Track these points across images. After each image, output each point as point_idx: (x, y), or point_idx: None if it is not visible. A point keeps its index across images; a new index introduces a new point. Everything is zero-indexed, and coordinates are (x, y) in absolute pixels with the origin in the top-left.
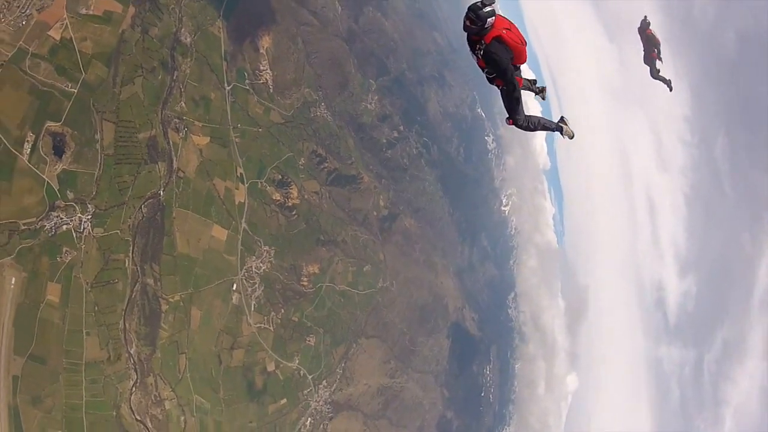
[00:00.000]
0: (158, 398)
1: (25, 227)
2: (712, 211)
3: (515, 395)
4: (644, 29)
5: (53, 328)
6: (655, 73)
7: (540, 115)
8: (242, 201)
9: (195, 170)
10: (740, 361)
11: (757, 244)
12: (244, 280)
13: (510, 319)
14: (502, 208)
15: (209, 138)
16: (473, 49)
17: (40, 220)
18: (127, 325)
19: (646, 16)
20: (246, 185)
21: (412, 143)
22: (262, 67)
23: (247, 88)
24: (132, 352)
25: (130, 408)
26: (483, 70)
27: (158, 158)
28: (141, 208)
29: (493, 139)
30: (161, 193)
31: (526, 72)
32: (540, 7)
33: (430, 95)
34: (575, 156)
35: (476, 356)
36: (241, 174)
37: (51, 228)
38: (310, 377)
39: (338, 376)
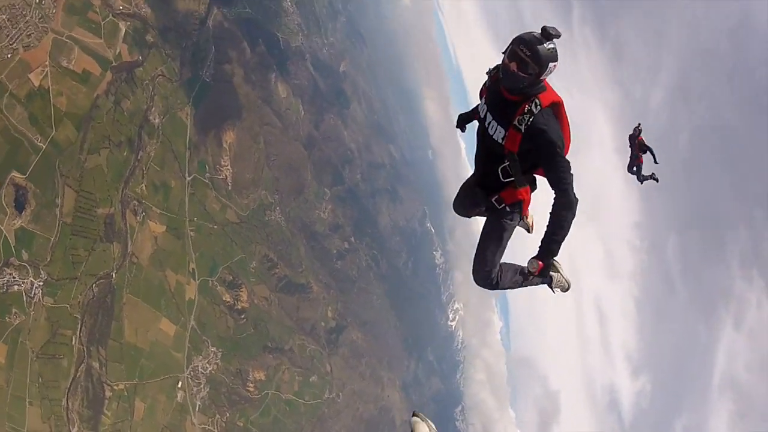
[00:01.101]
0: None
1: None
2: (664, 310)
3: None
4: (635, 137)
5: None
6: (641, 178)
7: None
8: (192, 297)
9: (149, 258)
10: None
11: (712, 333)
12: (189, 379)
13: None
14: (449, 323)
15: (165, 227)
16: (508, 118)
17: None
18: (69, 404)
19: (639, 124)
20: (197, 282)
21: (362, 255)
22: (223, 162)
23: (207, 181)
24: None
25: None
26: (492, 162)
27: (114, 238)
28: (93, 286)
29: (441, 254)
30: (113, 276)
31: None
32: None
33: (382, 208)
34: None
35: None
36: (193, 269)
37: (2, 285)
38: None
39: None
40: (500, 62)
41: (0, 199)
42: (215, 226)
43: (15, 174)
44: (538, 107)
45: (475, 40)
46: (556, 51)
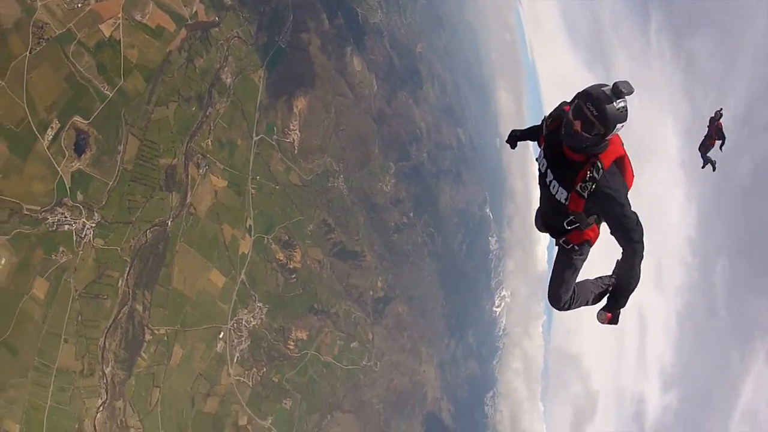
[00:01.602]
0: (124, 424)
1: (28, 213)
2: (703, 330)
3: None
4: (716, 120)
5: (32, 324)
6: (705, 159)
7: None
8: (246, 252)
9: (206, 210)
10: None
11: (744, 363)
12: (231, 331)
13: (485, 416)
14: (494, 309)
15: (227, 182)
16: (568, 178)
17: (44, 211)
18: (107, 344)
19: (721, 108)
20: (252, 238)
21: (419, 232)
22: (292, 127)
23: (274, 143)
24: (107, 371)
25: (94, 426)
26: (558, 215)
27: (173, 188)
28: (146, 232)
29: (496, 240)
30: (169, 224)
31: None
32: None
33: (444, 188)
34: None
35: None
36: (250, 225)
37: (53, 223)
38: None
39: None
40: (562, 112)
41: (60, 141)
42: (277, 187)
43: (77, 118)
44: (600, 171)
45: (551, 38)
46: (626, 110)
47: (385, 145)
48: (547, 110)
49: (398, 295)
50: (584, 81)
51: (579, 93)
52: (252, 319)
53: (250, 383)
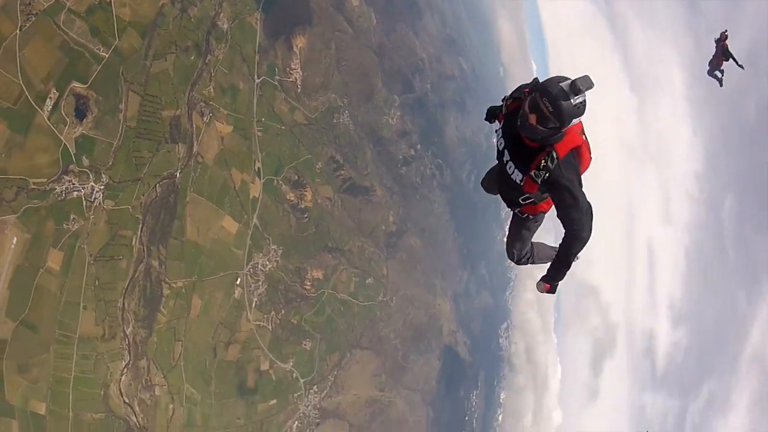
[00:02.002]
0: (149, 383)
1: (35, 187)
2: (711, 267)
3: (498, 424)
4: (721, 41)
5: (49, 297)
6: (720, 80)
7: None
8: (256, 196)
9: (214, 157)
10: (724, 414)
11: (752, 304)
12: (248, 276)
13: (500, 348)
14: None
15: (232, 127)
16: (524, 162)
17: (51, 182)
18: (126, 304)
19: (726, 30)
20: (262, 181)
21: (427, 163)
22: (293, 66)
23: (276, 84)
24: (128, 332)
25: (119, 389)
26: (514, 191)
27: (179, 139)
28: (156, 186)
29: None
30: (177, 175)
31: None
32: (563, 34)
33: (449, 119)
34: None
35: (464, 381)
36: (258, 168)
37: (61, 192)
38: (302, 381)
39: (329, 383)
40: (522, 94)
41: (60, 109)
42: (283, 127)
43: (75, 84)
44: (555, 161)
45: None
46: (583, 105)
47: (388, 78)
48: (549, 40)
49: (410, 229)
50: (583, 13)
51: (536, 85)
52: (267, 263)
53: (270, 327)
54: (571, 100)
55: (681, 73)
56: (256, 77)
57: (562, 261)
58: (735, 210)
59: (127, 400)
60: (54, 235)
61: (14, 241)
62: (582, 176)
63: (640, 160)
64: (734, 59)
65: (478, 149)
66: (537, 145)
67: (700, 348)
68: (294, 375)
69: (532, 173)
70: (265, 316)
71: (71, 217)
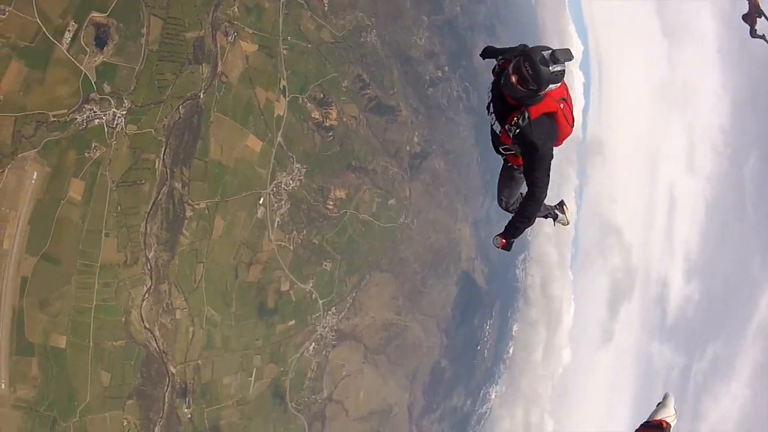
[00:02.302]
0: (170, 306)
1: (55, 119)
2: (729, 225)
3: (508, 356)
4: None
5: (71, 227)
6: (753, 33)
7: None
8: (281, 114)
9: (238, 76)
10: (726, 380)
11: (765, 272)
12: (271, 195)
13: (517, 280)
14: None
15: (257, 46)
16: (503, 117)
17: (71, 112)
18: (148, 228)
19: None
20: (287, 99)
21: (454, 86)
22: None
23: (302, 2)
24: (150, 256)
25: (140, 315)
26: (497, 143)
27: (203, 59)
28: (179, 108)
29: None
30: (201, 96)
31: None
32: None
33: (478, 43)
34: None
35: (479, 309)
36: (283, 86)
37: (82, 121)
38: (320, 302)
39: (347, 305)
40: (512, 56)
41: (79, 40)
42: (309, 45)
43: (95, 14)
44: (525, 120)
45: None
46: (561, 73)
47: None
48: None
49: (434, 150)
50: None
51: (523, 50)
52: (291, 182)
53: (291, 247)
54: (550, 68)
55: (714, 24)
56: None
57: (517, 218)
58: (758, 170)
59: (147, 326)
60: (75, 165)
61: (34, 176)
62: (554, 141)
63: (668, 104)
64: (766, 16)
65: None
66: (516, 104)
67: (710, 306)
68: (313, 296)
69: (506, 127)
70: (287, 236)
71: (93, 145)
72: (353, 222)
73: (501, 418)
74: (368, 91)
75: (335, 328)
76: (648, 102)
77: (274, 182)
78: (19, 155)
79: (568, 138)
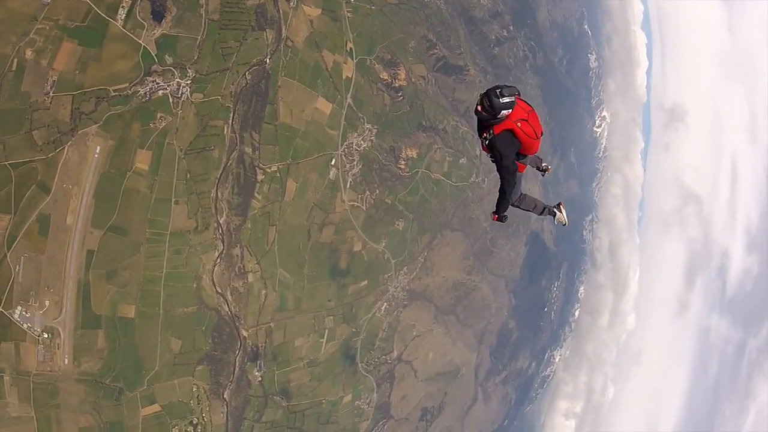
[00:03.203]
0: (242, 270)
1: (116, 93)
2: None
3: (574, 319)
4: None
5: (139, 198)
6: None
7: (536, 197)
8: (349, 76)
9: (304, 41)
10: None
11: None
12: (343, 156)
13: (584, 241)
14: (595, 129)
15: (321, 10)
16: (480, 134)
17: (133, 86)
18: (219, 193)
19: None
20: (355, 61)
21: (520, 45)
22: None
23: None
24: (221, 221)
25: (212, 280)
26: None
27: (266, 26)
28: (245, 74)
29: (595, 58)
30: (267, 61)
31: None
32: None
33: (542, 2)
34: (670, 98)
35: (547, 270)
36: (350, 49)
37: (145, 93)
38: (393, 261)
39: (419, 265)
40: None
41: (135, 15)
42: (373, 7)
43: None
44: (491, 135)
45: None
46: (510, 104)
47: None
48: None
49: None
50: None
51: (486, 90)
52: (362, 142)
53: (364, 207)
54: (500, 99)
55: None
56: None
57: (499, 201)
58: None
59: (219, 290)
60: (141, 136)
61: (97, 151)
62: (516, 150)
63: (729, 73)
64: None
65: (570, 34)
66: (487, 125)
67: None
68: (386, 256)
69: (482, 139)
70: (360, 196)
71: (158, 116)
72: (425, 181)
73: (564, 382)
74: (435, 51)
75: (407, 287)
76: (709, 70)
77: (345, 143)
78: (80, 132)
79: (539, 145)
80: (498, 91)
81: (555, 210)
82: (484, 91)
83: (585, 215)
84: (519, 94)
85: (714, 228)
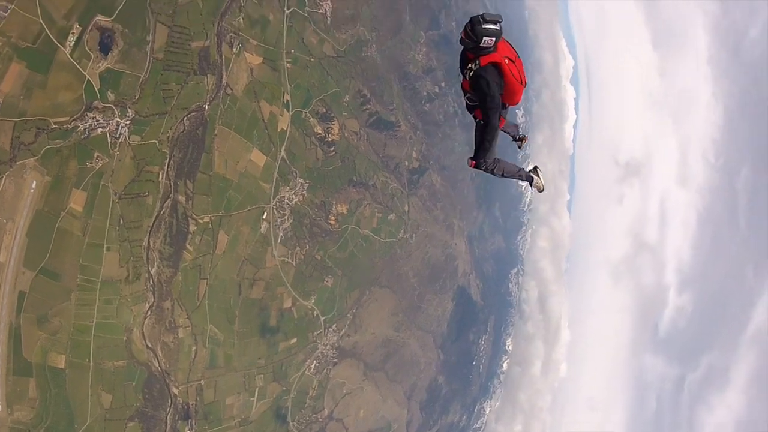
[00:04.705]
0: (173, 325)
1: (56, 126)
2: (721, 237)
3: (502, 371)
4: None
5: (72, 240)
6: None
7: (511, 162)
8: (284, 128)
9: (243, 89)
10: (721, 389)
11: (759, 281)
12: (274, 210)
13: (510, 294)
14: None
15: (262, 58)
16: (463, 68)
17: (73, 120)
18: (151, 243)
19: None
20: (290, 113)
21: (450, 101)
22: None
23: (306, 15)
24: (152, 272)
25: (142, 333)
26: (464, 94)
27: (208, 70)
28: (184, 119)
29: (523, 113)
30: (206, 108)
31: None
32: None
33: None
34: (596, 148)
35: (474, 324)
36: (287, 100)
37: (84, 130)
38: (322, 319)
39: (348, 322)
40: None
41: (83, 44)
42: (312, 59)
43: (100, 18)
44: (477, 65)
45: None
46: (493, 31)
47: (415, 13)
48: None
49: (432, 166)
50: None
51: (471, 17)
52: (294, 196)
53: (294, 263)
54: (482, 25)
55: (705, 35)
56: (286, 8)
57: (480, 142)
58: (751, 182)
59: (150, 345)
60: (77, 175)
61: (33, 185)
62: (501, 86)
63: (660, 115)
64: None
65: None
66: (472, 57)
67: (704, 318)
68: (315, 313)
69: (464, 71)
70: (290, 251)
71: (95, 155)
72: (354, 237)
73: None
74: (369, 106)
75: (336, 345)
76: (640, 111)
77: (278, 197)
78: (18, 162)
79: (522, 94)
80: (481, 16)
81: (532, 174)
82: (471, 17)
83: (510, 269)
84: (501, 22)
85: (644, 271)
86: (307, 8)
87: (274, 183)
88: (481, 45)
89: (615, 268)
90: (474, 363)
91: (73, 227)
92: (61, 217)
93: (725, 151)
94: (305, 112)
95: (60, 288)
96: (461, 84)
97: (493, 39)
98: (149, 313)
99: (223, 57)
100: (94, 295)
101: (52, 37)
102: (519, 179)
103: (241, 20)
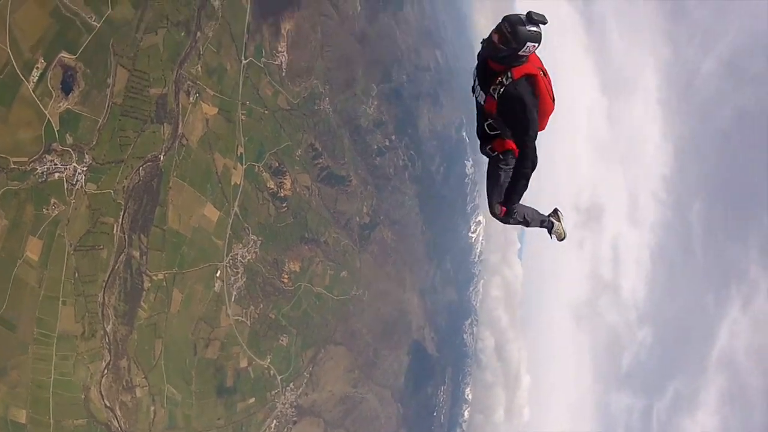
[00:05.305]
0: (130, 384)
1: (15, 166)
2: (678, 269)
3: (464, 420)
4: None
5: (28, 291)
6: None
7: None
8: (238, 182)
9: (198, 140)
10: (691, 414)
11: (720, 306)
12: (228, 268)
13: (465, 345)
14: (470, 234)
15: (218, 109)
16: (487, 84)
17: (32, 161)
18: (106, 299)
19: None
20: (244, 167)
21: (400, 155)
22: (280, 48)
23: (262, 66)
24: (108, 329)
25: (100, 392)
26: (481, 118)
27: (165, 119)
28: (139, 169)
29: (472, 164)
30: (161, 158)
31: None
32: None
33: (423, 111)
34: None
35: (432, 377)
36: (241, 154)
37: (42, 173)
38: (279, 378)
39: (305, 380)
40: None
41: (47, 80)
42: (266, 111)
43: (64, 54)
44: (509, 79)
45: None
46: (537, 34)
47: (368, 67)
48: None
49: (382, 221)
50: (560, 12)
51: (503, 17)
52: (247, 254)
53: (248, 322)
54: (527, 27)
55: (655, 77)
56: (243, 58)
57: (516, 183)
58: (704, 214)
59: (108, 404)
60: (34, 221)
61: None
62: (535, 106)
63: (609, 160)
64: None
65: (448, 142)
66: (500, 68)
67: (666, 348)
68: (271, 372)
69: (491, 89)
70: (244, 310)
71: (52, 202)
72: (307, 295)
73: None
74: (320, 160)
75: (295, 403)
76: (589, 157)
77: (231, 254)
78: None
79: (551, 117)
80: (524, 16)
81: (552, 220)
82: (505, 17)
83: (464, 320)
84: (545, 24)
85: (604, 311)
86: (263, 59)
87: (227, 239)
88: (521, 53)
89: (575, 311)
90: (435, 414)
91: (29, 277)
92: (18, 265)
93: (676, 186)
94: (258, 166)
95: (17, 340)
96: (480, 106)
97: (536, 45)
98: (106, 371)
99: (180, 106)
100: (50, 350)
101: (17, 68)
102: (541, 227)
103: (200, 68)
